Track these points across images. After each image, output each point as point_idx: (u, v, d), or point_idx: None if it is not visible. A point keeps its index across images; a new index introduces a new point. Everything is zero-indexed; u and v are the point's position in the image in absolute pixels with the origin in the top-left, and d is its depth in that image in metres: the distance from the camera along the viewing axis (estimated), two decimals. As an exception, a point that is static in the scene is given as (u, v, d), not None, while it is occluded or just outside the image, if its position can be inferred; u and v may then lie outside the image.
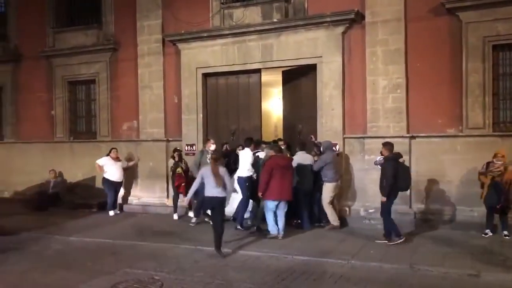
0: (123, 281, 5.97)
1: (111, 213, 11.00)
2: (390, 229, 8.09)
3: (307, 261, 6.92)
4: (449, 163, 9.11)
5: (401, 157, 8.29)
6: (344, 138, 9.94)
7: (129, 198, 12.11)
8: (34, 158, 13.49)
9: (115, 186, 11.25)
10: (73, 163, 12.94)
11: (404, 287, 5.82)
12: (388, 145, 8.20)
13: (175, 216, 10.51)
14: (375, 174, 9.41)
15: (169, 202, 11.13)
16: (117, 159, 11.31)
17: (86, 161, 12.40)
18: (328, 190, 9.11)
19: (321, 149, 9.33)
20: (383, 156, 9.20)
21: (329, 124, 10.06)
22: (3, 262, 7.12)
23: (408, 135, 9.33)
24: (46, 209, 11.66)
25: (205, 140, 10.60)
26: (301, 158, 9.27)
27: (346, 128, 10.00)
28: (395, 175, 7.90)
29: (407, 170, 8.38)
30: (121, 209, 11.51)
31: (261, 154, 9.37)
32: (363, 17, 9.66)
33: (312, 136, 10.16)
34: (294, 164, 8.92)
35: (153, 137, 11.87)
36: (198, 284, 5.92)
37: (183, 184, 10.28)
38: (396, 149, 9.11)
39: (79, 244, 8.24)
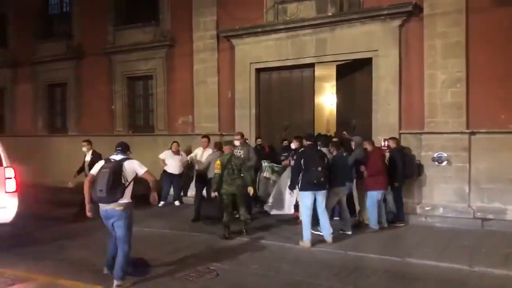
0: (180, 270, 6.17)
1: (160, 204, 11.23)
2: (401, 213, 8.92)
3: (360, 257, 6.87)
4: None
5: (405, 148, 9.36)
6: (400, 134, 9.73)
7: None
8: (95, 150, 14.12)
9: (172, 178, 11.54)
10: (132, 156, 13.40)
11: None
12: (394, 139, 9.14)
13: None
14: (432, 170, 9.24)
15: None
16: (177, 152, 11.59)
17: (144, 154, 12.65)
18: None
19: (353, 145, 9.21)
20: (442, 153, 9.06)
21: (384, 119, 9.89)
22: (67, 247, 7.56)
23: (467, 131, 9.00)
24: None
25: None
26: None
27: (403, 124, 9.79)
28: (404, 164, 8.80)
29: (412, 159, 9.21)
30: (181, 201, 11.73)
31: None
32: (421, 9, 9.39)
33: (345, 132, 10.06)
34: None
35: (207, 132, 12.11)
36: (253, 276, 6.04)
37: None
38: (455, 145, 9.03)
39: (138, 234, 8.55)
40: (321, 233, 7.70)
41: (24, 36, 16.11)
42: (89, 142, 10.58)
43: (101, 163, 5.78)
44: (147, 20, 13.48)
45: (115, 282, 5.52)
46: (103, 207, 5.62)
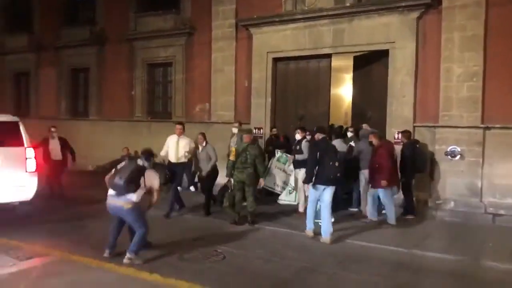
0: (188, 251, 6.39)
1: (179, 188, 11.33)
2: (412, 206, 8.89)
3: (365, 247, 6.97)
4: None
5: (418, 142, 9.27)
6: (414, 127, 9.71)
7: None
8: (115, 135, 14.47)
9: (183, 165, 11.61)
10: (150, 142, 13.61)
11: (468, 282, 5.71)
12: (406, 133, 9.07)
13: None
14: (445, 164, 9.22)
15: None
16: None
17: (162, 140, 12.99)
18: (363, 178, 8.96)
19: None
20: (455, 147, 9.02)
21: (399, 111, 9.88)
22: (83, 227, 7.89)
23: (482, 125, 8.94)
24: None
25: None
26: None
27: (417, 117, 9.77)
28: (415, 157, 8.76)
29: (424, 154, 9.21)
30: (196, 187, 11.84)
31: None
32: (439, 2, 9.31)
33: (365, 124, 9.95)
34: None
35: (223, 120, 12.27)
36: (258, 260, 6.20)
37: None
38: (469, 139, 8.98)
39: (150, 217, 8.78)
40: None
41: (49, 22, 16.54)
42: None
43: (126, 161, 6.33)
44: (168, 7, 13.65)
45: (127, 255, 5.81)
46: (112, 202, 5.96)
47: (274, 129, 11.32)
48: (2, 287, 5.09)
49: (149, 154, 6.35)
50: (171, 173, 8.51)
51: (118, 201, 5.90)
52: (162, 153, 9.02)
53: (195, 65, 13.10)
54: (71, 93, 16.45)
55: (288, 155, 10.11)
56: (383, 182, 8.10)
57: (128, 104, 14.61)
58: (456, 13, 9.10)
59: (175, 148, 8.94)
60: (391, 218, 8.29)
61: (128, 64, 14.56)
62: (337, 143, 9.11)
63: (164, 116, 14.07)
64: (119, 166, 6.18)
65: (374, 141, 8.51)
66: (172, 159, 8.97)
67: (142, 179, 5.98)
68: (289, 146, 10.65)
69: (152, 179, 6.08)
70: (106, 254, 6.09)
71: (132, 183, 5.86)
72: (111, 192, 6.01)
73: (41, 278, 5.37)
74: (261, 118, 11.75)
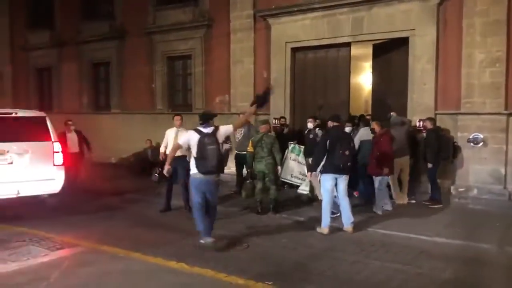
0: (214, 240, 6.51)
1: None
2: (438, 194, 8.80)
3: (388, 235, 7.00)
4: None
5: (442, 130, 9.21)
6: (435, 114, 9.64)
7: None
8: (136, 128, 14.69)
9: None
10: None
11: (490, 268, 5.72)
12: (431, 120, 9.02)
13: None
14: (468, 152, 9.16)
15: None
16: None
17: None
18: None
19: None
20: (478, 134, 8.93)
21: (420, 99, 9.83)
22: (110, 218, 8.10)
23: (505, 112, 8.84)
24: (147, 175, 12.69)
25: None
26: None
27: (438, 104, 9.70)
28: (439, 145, 8.71)
29: (448, 141, 9.18)
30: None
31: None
32: (460, -13, 9.19)
33: (393, 112, 9.79)
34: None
35: (242, 111, 12.27)
36: (282, 249, 6.29)
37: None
38: (492, 126, 8.92)
39: (175, 207, 8.96)
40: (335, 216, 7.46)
41: (70, 17, 16.81)
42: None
43: (193, 135, 6.11)
44: (186, 0, 13.73)
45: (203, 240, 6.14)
46: (205, 177, 6.11)
47: (283, 119, 11.26)
48: (35, 276, 5.29)
49: (206, 117, 6.33)
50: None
51: (211, 176, 6.13)
52: (162, 148, 8.75)
53: (214, 57, 13.19)
54: (93, 87, 16.75)
55: (301, 146, 10.01)
56: (385, 170, 8.05)
57: (149, 97, 14.81)
58: (478, -2, 8.97)
59: (175, 141, 8.43)
60: (379, 207, 8.24)
61: (148, 58, 14.73)
62: (365, 131, 9.02)
63: (184, 108, 14.19)
64: (182, 142, 6.29)
65: (377, 128, 8.45)
66: None
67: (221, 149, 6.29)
68: (295, 138, 10.48)
69: (222, 135, 6.30)
70: (209, 239, 6.18)
71: (221, 162, 6.38)
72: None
73: (72, 267, 5.56)
74: (280, 108, 11.79)
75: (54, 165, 8.16)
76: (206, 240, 6.14)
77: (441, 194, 9.03)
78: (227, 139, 9.15)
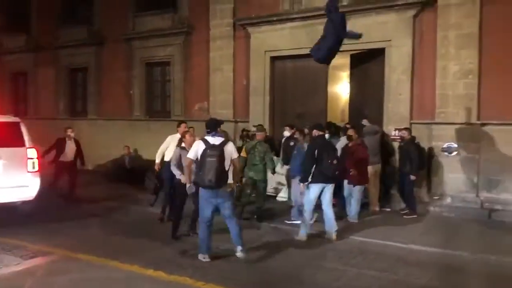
0: (192, 248, 6.48)
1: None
2: (414, 205, 8.84)
3: (365, 242, 7.09)
4: (521, 152, 8.80)
5: (415, 139, 9.16)
6: (411, 124, 9.83)
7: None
8: (114, 134, 14.52)
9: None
10: (149, 140, 13.74)
11: (464, 275, 5.84)
12: (408, 130, 9.09)
13: None
14: (442, 161, 9.36)
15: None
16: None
17: (161, 139, 13.06)
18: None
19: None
20: (452, 143, 9.13)
21: (395, 109, 10.01)
22: (86, 226, 7.95)
23: (478, 122, 9.08)
24: (124, 182, 12.55)
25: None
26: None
27: (414, 114, 9.90)
28: (419, 154, 8.79)
29: (424, 151, 9.31)
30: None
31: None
32: (435, 0, 9.42)
33: (365, 120, 9.96)
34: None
35: (222, 118, 12.29)
36: (260, 256, 6.28)
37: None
38: (465, 136, 9.09)
39: (153, 215, 8.89)
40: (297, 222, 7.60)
41: (47, 22, 16.57)
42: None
43: (200, 146, 5.85)
44: (165, 7, 13.72)
45: (239, 248, 5.97)
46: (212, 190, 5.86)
47: (254, 128, 11.09)
48: (8, 285, 5.18)
49: (214, 125, 6.11)
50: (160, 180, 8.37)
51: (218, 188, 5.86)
52: (158, 158, 8.39)
53: (193, 64, 13.19)
54: (70, 93, 16.49)
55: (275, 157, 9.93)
56: (366, 179, 8.32)
57: (126, 103, 14.68)
58: (452, 11, 9.23)
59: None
60: (355, 216, 8.34)
61: (126, 64, 14.62)
62: (344, 140, 8.99)
63: (163, 115, 14.14)
64: (192, 156, 5.92)
65: (354, 136, 8.48)
66: None
67: (225, 162, 5.89)
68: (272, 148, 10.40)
69: (231, 152, 5.97)
70: (206, 259, 6.01)
71: (221, 176, 5.82)
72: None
73: (46, 276, 5.44)
74: (259, 116, 11.84)
75: (28, 171, 8.00)
76: (205, 257, 6.03)
77: (416, 202, 9.18)
78: None
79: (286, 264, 6.03)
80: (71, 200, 9.88)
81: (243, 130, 11.26)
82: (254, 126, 11.48)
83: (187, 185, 6.15)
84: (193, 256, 6.17)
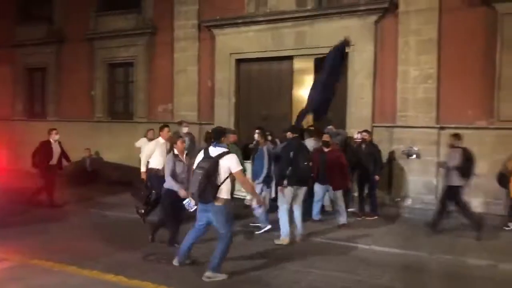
0: (153, 253, 6.37)
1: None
2: (376, 206, 8.98)
3: (326, 244, 7.17)
4: (478, 155, 9.05)
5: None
6: (373, 127, 10.03)
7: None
8: (74, 136, 14.04)
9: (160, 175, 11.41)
10: (111, 142, 13.51)
11: (423, 275, 5.99)
12: (368, 132, 9.19)
13: None
14: (402, 163, 9.59)
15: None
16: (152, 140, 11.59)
17: (123, 141, 12.91)
18: None
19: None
20: (412, 146, 9.36)
21: (358, 112, 10.19)
22: (45, 231, 7.66)
23: (437, 125, 9.36)
24: (85, 185, 12.25)
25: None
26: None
27: (375, 117, 10.10)
28: (380, 156, 9.00)
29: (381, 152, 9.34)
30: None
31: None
32: (396, 6, 9.68)
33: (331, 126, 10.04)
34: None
35: (186, 120, 12.19)
36: (230, 259, 5.99)
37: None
38: (425, 139, 9.35)
39: (114, 219, 8.71)
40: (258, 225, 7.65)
41: (4, 19, 15.93)
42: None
43: (199, 156, 5.49)
44: (129, 7, 13.51)
45: (206, 273, 5.40)
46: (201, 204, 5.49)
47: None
48: (-42, 293, 4.94)
49: (217, 134, 5.57)
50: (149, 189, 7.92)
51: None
52: (143, 166, 8.00)
53: (157, 65, 13.02)
54: (27, 94, 15.92)
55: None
56: (350, 183, 8.38)
57: (88, 105, 14.32)
58: (412, 18, 9.49)
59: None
60: (345, 218, 8.37)
61: (88, 64, 14.27)
62: (311, 142, 9.01)
63: (125, 116, 13.88)
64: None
65: (330, 141, 8.45)
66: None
67: (217, 176, 5.31)
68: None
69: (228, 165, 5.33)
70: (176, 262, 5.80)
71: (205, 191, 5.26)
72: None
73: (0, 283, 5.23)
74: (224, 118, 11.80)
75: (-18, 174, 7.67)
76: (179, 262, 5.82)
77: (378, 204, 9.33)
78: None
79: (253, 266, 5.99)
80: (54, 205, 9.52)
81: (207, 132, 11.16)
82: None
83: (185, 201, 5.84)
84: (156, 261, 6.07)
